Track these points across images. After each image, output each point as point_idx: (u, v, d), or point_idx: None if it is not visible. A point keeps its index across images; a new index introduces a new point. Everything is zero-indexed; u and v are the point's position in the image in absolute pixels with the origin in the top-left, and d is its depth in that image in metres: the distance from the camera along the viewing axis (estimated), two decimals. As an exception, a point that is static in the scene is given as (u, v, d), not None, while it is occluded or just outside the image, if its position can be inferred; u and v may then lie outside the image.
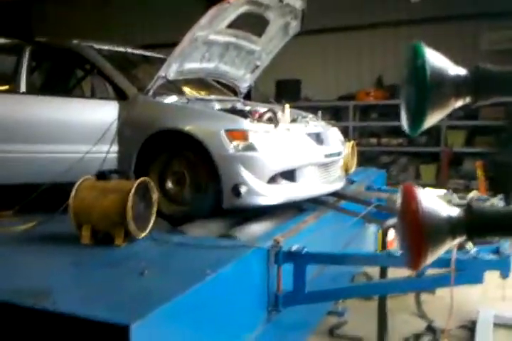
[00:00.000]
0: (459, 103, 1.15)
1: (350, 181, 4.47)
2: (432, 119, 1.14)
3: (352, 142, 4.85)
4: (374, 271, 4.37)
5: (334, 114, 9.11)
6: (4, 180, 3.23)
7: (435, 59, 1.09)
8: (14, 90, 3.46)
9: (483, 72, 1.13)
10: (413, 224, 1.11)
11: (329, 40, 9.41)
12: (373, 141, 9.10)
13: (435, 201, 1.17)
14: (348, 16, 8.89)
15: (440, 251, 1.16)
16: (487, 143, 8.03)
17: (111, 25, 11.10)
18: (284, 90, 9.34)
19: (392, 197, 4.03)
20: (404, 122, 1.17)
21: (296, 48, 9.39)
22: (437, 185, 7.50)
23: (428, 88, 1.07)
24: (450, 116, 7.53)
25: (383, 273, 3.25)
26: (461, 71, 1.13)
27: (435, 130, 8.35)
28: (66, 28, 10.86)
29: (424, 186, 4.18)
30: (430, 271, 2.58)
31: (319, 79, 9.64)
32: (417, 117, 1.12)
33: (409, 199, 1.13)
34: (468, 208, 1.16)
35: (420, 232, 1.11)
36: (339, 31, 9.21)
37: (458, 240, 1.17)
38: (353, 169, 4.86)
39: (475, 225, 1.15)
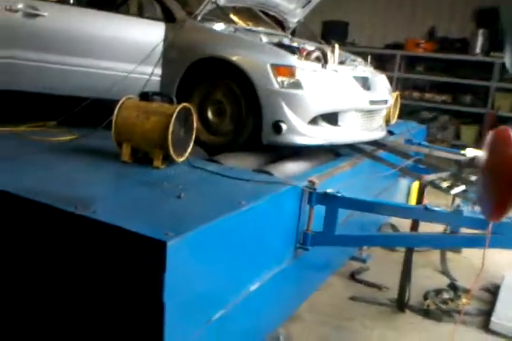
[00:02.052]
0: None
1: (390, 132, 4.36)
2: None
3: (397, 93, 4.69)
4: (399, 222, 4.38)
5: (379, 62, 8.73)
6: (50, 90, 3.22)
7: None
8: (65, 0, 3.36)
9: None
10: (509, 173, 1.02)
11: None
12: (416, 94, 8.77)
13: None
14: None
15: None
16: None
17: None
18: (331, 32, 8.94)
19: (432, 152, 3.93)
20: (507, 60, 1.05)
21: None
22: (477, 147, 7.27)
23: None
24: (501, 77, 7.14)
25: (415, 226, 3.23)
26: None
27: (483, 90, 7.99)
28: None
29: (463, 147, 4.08)
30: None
31: (368, 24, 9.19)
32: None
33: (506, 145, 1.03)
34: None
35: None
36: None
37: None
38: (394, 120, 4.74)
39: None
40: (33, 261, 1.97)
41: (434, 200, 3.31)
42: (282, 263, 2.49)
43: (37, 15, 3.07)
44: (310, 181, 2.58)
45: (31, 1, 3.07)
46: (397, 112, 4.84)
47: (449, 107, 8.46)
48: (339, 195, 2.52)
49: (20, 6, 3.04)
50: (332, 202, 2.54)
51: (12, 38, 3.06)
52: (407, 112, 7.90)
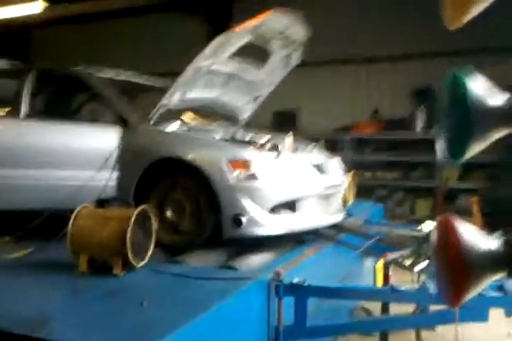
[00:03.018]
0: (504, 131, 1.11)
1: (348, 214, 4.44)
2: (475, 148, 1.10)
3: (352, 172, 4.85)
4: (372, 305, 4.29)
5: (330, 146, 9.13)
6: (2, 205, 3.17)
7: (478, 86, 1.06)
8: (15, 114, 3.44)
9: None
10: (455, 259, 1.05)
11: (325, 72, 9.58)
12: (368, 174, 9.11)
13: (474, 234, 1.12)
14: (347, 48, 9.08)
15: (482, 287, 1.11)
16: (482, 178, 8.07)
17: (108, 53, 11.23)
18: (282, 121, 9.43)
19: (391, 231, 4.00)
20: (443, 149, 1.12)
21: (294, 79, 9.57)
22: (432, 220, 7.46)
23: (470, 117, 1.04)
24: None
25: (385, 308, 3.18)
26: (507, 98, 1.10)
27: (431, 164, 8.41)
28: (65, 53, 11.02)
29: (420, 222, 4.18)
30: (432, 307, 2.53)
31: (315, 111, 9.75)
32: (459, 148, 1.08)
33: (450, 232, 1.08)
34: (506, 242, 1.11)
35: (463, 267, 1.05)
36: (337, 63, 9.39)
37: (499, 275, 1.11)
38: (351, 201, 4.85)
39: None
40: None
41: (401, 277, 3.30)
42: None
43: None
44: (275, 272, 2.55)
45: None
46: (354, 192, 4.98)
47: (401, 183, 8.80)
48: (306, 284, 2.49)
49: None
50: (300, 292, 2.50)
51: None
52: (362, 191, 8.13)
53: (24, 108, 3.47)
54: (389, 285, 2.69)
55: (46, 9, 9.89)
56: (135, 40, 11.34)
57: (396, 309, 3.03)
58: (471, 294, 1.09)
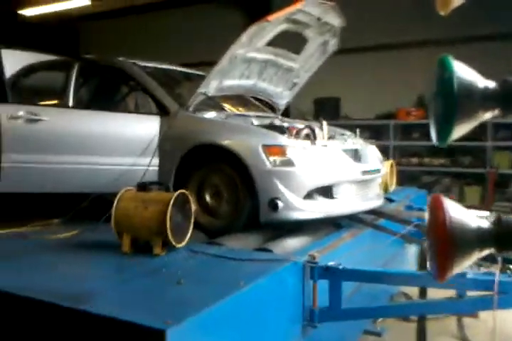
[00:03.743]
0: (488, 115, 1.16)
1: (389, 200, 4.41)
2: (460, 130, 1.16)
3: (390, 161, 4.81)
4: (413, 291, 4.26)
5: (374, 133, 9.03)
6: (53, 189, 3.36)
7: (463, 72, 1.12)
8: (63, 104, 3.62)
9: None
10: (441, 234, 1.11)
11: (369, 59, 9.41)
12: (415, 160, 8.94)
13: (464, 212, 1.16)
14: (389, 34, 8.88)
15: (467, 263, 1.16)
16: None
17: (151, 45, 11.48)
18: (323, 108, 9.37)
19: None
20: (433, 133, 1.18)
21: (336, 66, 9.46)
22: (482, 207, 7.26)
23: (455, 100, 1.10)
24: (496, 136, 7.31)
25: (423, 293, 3.16)
26: (489, 84, 1.15)
27: (480, 150, 8.14)
28: (110, 45, 11.35)
29: (468, 208, 4.10)
30: (472, 293, 2.50)
31: (358, 98, 9.62)
32: (444, 128, 1.14)
33: (437, 209, 1.13)
34: (497, 220, 1.15)
35: (448, 243, 1.11)
36: (379, 50, 9.21)
37: (486, 252, 1.15)
38: (392, 188, 4.81)
39: (504, 237, 1.14)
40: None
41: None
42: (290, 342, 2.43)
43: (38, 120, 3.30)
44: (311, 255, 2.59)
45: (31, 107, 3.32)
46: (394, 179, 4.93)
47: (448, 170, 8.57)
48: (341, 267, 2.52)
49: (21, 113, 3.28)
50: (334, 275, 2.53)
51: (16, 144, 3.27)
52: (407, 178, 7.99)
53: (71, 98, 3.64)
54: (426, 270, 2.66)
55: (93, 3, 10.24)
56: (176, 32, 11.53)
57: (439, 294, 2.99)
58: (458, 269, 1.14)
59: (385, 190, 4.70)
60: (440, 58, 1.14)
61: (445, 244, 1.11)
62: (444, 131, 1.13)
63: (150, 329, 1.64)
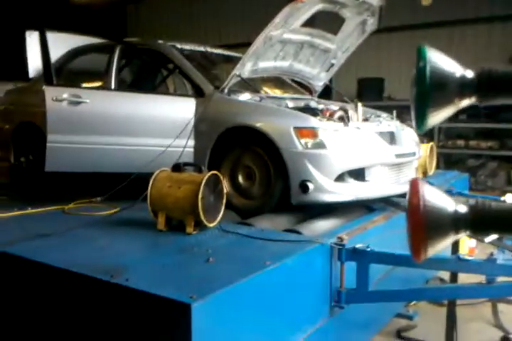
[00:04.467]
0: (465, 102, 1.19)
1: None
2: (437, 117, 1.18)
3: (430, 144, 4.71)
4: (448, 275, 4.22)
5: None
6: (95, 168, 3.53)
7: (439, 61, 1.15)
8: (105, 87, 3.76)
9: (488, 73, 1.16)
10: (414, 217, 1.17)
11: (415, 38, 9.11)
12: (460, 143, 8.68)
13: (440, 196, 1.22)
14: (436, 12, 8.55)
15: (443, 244, 1.21)
16: None
17: (194, 26, 11.54)
18: (366, 89, 9.20)
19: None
20: (412, 118, 1.21)
21: (380, 45, 9.24)
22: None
23: (428, 88, 1.13)
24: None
25: (454, 277, 3.14)
26: (466, 72, 1.18)
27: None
28: (156, 28, 11.47)
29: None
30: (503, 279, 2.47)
31: (403, 78, 9.37)
32: (420, 115, 1.17)
33: (413, 193, 1.18)
34: (473, 204, 1.18)
35: (420, 224, 1.17)
36: (425, 27, 8.89)
37: (462, 234, 1.20)
38: (431, 172, 4.72)
39: (478, 220, 1.19)
40: (69, 326, 2.11)
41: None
42: (317, 322, 2.49)
43: (80, 102, 3.45)
44: (339, 237, 2.63)
45: (75, 89, 3.46)
46: (434, 163, 4.84)
47: (496, 153, 8.28)
48: (368, 249, 2.54)
49: (65, 95, 3.43)
50: (362, 257, 2.55)
51: (60, 125, 3.43)
52: (452, 161, 7.79)
53: (113, 81, 3.76)
54: (456, 254, 2.65)
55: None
56: (222, 12, 11.52)
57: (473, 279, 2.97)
58: (433, 250, 1.18)
59: (424, 173, 4.63)
60: (417, 47, 1.16)
61: (417, 226, 1.16)
62: (420, 117, 1.17)
63: (177, 303, 1.73)
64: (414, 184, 1.22)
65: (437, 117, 1.18)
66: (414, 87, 1.16)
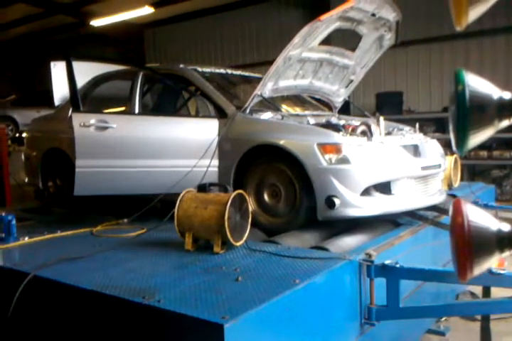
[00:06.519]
0: (504, 123, 1.21)
1: (452, 196, 4.29)
2: (477, 139, 1.20)
3: (454, 156, 4.67)
4: (480, 290, 4.12)
5: (440, 126, 8.75)
6: (122, 191, 3.60)
7: (477, 84, 1.18)
8: (130, 111, 3.85)
9: None
10: (459, 236, 1.17)
11: (432, 50, 9.12)
12: (483, 153, 8.57)
13: (483, 216, 1.23)
14: (450, 25, 8.55)
15: (488, 264, 1.21)
16: None
17: (211, 48, 11.74)
18: (386, 103, 9.20)
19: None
20: (452, 140, 1.23)
21: (397, 60, 9.26)
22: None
23: (468, 111, 1.15)
24: None
25: (487, 292, 3.07)
26: (504, 94, 1.20)
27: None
28: (174, 51, 11.69)
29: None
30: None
31: (422, 91, 9.35)
32: (460, 138, 1.19)
33: (457, 213, 1.19)
34: None
35: (466, 244, 1.17)
36: (441, 40, 8.89)
37: (507, 253, 1.21)
38: (456, 184, 4.67)
39: None
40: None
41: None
42: (348, 340, 2.46)
43: (107, 128, 3.54)
44: (367, 254, 2.61)
45: (101, 115, 3.55)
46: (458, 175, 4.79)
47: (521, 163, 8.16)
48: (397, 265, 2.52)
49: (92, 121, 3.53)
50: (391, 273, 2.53)
51: (88, 150, 3.52)
52: (475, 173, 7.68)
53: (137, 105, 3.86)
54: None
55: (156, 11, 10.69)
56: (237, 33, 11.73)
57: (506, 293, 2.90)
58: (479, 270, 1.18)
59: (449, 185, 4.59)
60: (455, 71, 1.18)
61: (463, 246, 1.16)
62: (461, 140, 1.18)
63: (209, 324, 1.74)
64: (457, 203, 1.23)
65: (477, 139, 1.20)
66: (454, 108, 1.18)
